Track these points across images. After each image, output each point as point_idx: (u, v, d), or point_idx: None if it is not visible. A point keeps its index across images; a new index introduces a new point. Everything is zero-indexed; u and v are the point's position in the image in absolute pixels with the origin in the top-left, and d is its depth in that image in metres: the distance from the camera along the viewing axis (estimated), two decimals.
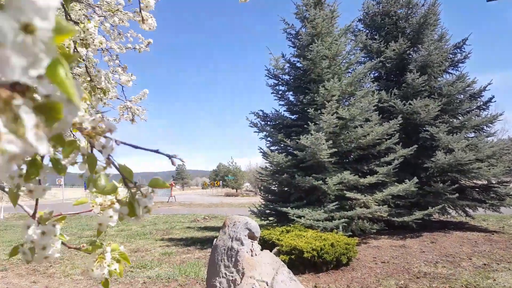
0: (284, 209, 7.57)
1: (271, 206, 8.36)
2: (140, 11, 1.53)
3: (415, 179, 8.12)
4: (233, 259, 4.30)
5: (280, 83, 9.52)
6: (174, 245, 7.98)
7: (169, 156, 1.14)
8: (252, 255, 4.36)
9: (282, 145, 8.90)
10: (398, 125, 8.54)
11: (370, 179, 7.86)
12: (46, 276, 5.63)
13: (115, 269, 0.95)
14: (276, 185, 9.07)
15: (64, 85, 0.26)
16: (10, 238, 9.40)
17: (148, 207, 0.99)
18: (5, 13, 0.22)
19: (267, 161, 8.62)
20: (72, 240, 8.45)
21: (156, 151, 1.21)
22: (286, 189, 8.62)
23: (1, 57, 0.22)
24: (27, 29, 0.23)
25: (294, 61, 9.37)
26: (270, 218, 8.58)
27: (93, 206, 1.01)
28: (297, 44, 9.19)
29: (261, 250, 4.68)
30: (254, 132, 9.23)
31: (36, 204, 0.95)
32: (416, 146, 8.75)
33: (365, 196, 7.77)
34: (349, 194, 7.67)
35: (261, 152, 9.01)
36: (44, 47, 0.23)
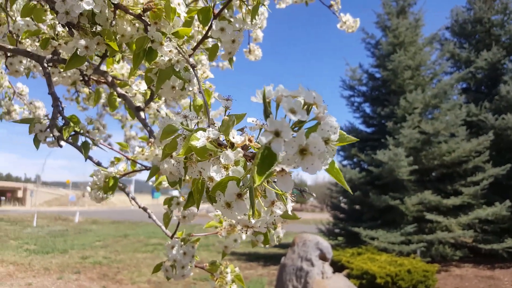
0: (356, 229, 7.31)
1: (341, 225, 8.14)
2: (248, 42, 1.68)
3: (508, 202, 7.33)
4: (303, 280, 4.17)
5: (356, 94, 9.33)
6: (236, 260, 7.80)
7: (301, 190, 1.24)
8: (323, 278, 4.24)
9: (355, 160, 8.65)
10: (489, 141, 7.80)
11: (454, 201, 7.28)
12: (115, 281, 5.78)
13: None
14: (346, 203, 8.82)
15: (339, 175, 0.38)
16: (83, 242, 9.40)
17: (280, 236, 1.11)
18: (316, 132, 0.33)
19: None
20: (139, 247, 8.67)
21: (298, 189, 1.31)
22: (358, 207, 8.34)
23: (309, 160, 0.32)
24: (326, 141, 0.33)
25: (372, 71, 9.14)
26: (339, 238, 8.31)
27: (220, 230, 1.15)
28: (377, 54, 8.95)
29: (333, 272, 4.54)
30: None
31: (177, 226, 1.11)
32: (509, 165, 7.90)
33: (447, 219, 7.21)
34: (429, 216, 7.18)
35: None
36: (331, 151, 0.34)
